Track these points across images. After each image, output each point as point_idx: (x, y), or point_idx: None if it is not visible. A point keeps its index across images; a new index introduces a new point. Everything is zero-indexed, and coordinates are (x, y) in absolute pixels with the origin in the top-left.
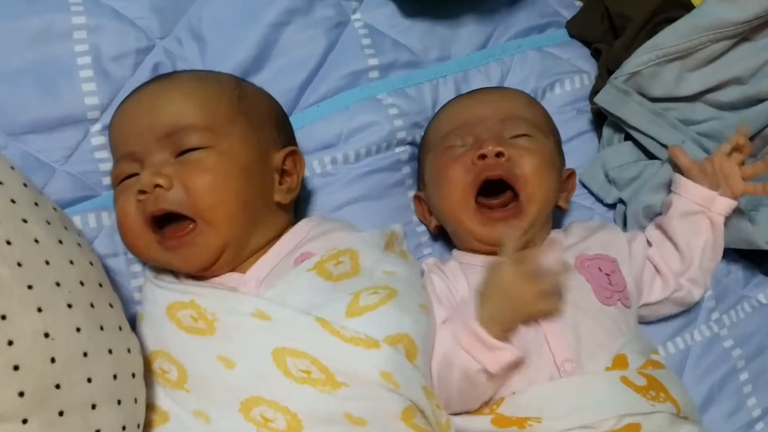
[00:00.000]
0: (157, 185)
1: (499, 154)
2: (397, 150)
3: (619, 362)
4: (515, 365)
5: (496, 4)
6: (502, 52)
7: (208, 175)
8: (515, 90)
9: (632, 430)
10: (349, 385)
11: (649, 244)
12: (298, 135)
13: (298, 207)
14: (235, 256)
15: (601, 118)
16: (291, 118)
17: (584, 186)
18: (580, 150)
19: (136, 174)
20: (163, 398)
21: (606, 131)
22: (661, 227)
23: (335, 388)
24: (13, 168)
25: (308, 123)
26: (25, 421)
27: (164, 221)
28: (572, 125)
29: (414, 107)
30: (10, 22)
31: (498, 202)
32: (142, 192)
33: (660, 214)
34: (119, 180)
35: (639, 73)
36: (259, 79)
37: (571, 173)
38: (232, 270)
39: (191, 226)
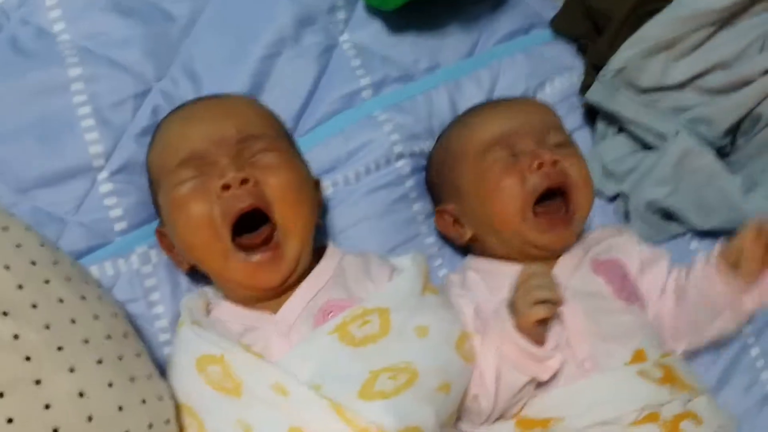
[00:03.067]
0: (244, 180)
1: (555, 162)
2: (398, 164)
3: (638, 356)
4: None
5: (479, 9)
6: (490, 58)
7: (285, 173)
8: (538, 101)
9: (652, 419)
10: None
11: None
12: None
13: None
14: (294, 275)
15: (593, 113)
16: None
17: None
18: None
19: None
20: None
21: (599, 125)
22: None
23: None
24: (28, 229)
25: (307, 150)
26: None
27: (235, 231)
28: (565, 122)
29: (409, 120)
30: (8, 80)
31: (551, 209)
32: (226, 187)
33: (662, 208)
34: (177, 185)
35: (626, 67)
36: None
37: None
38: (263, 306)
39: (270, 231)
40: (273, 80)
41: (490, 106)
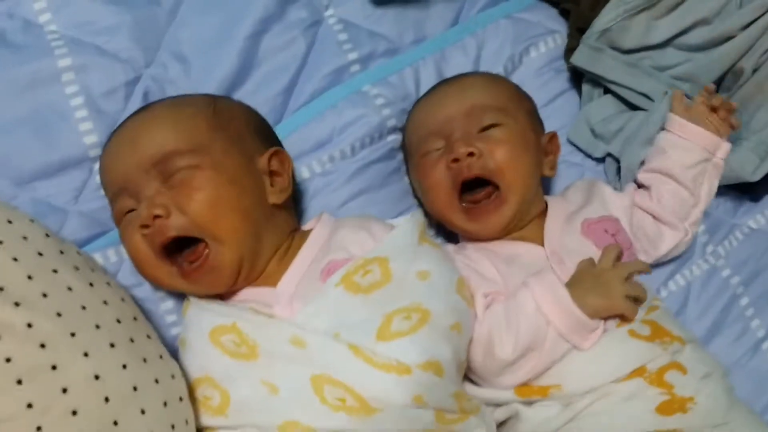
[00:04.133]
0: (156, 216)
1: (470, 154)
2: (389, 138)
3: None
4: None
5: None
6: (475, 26)
7: (200, 193)
8: (477, 74)
9: (638, 374)
10: (384, 410)
11: (650, 196)
12: (292, 138)
13: (305, 208)
14: (253, 267)
15: (578, 76)
16: (282, 123)
17: (572, 143)
18: (563, 109)
19: (133, 209)
20: (206, 422)
21: (585, 88)
22: (670, 174)
23: (369, 414)
24: (32, 221)
25: (300, 125)
26: None
27: (176, 248)
28: (552, 86)
29: (399, 94)
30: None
31: (482, 196)
32: (144, 226)
33: None
34: (120, 217)
35: (609, 29)
36: (244, 90)
37: (553, 135)
38: (258, 281)
39: (203, 248)
40: (261, 58)
41: (430, 94)
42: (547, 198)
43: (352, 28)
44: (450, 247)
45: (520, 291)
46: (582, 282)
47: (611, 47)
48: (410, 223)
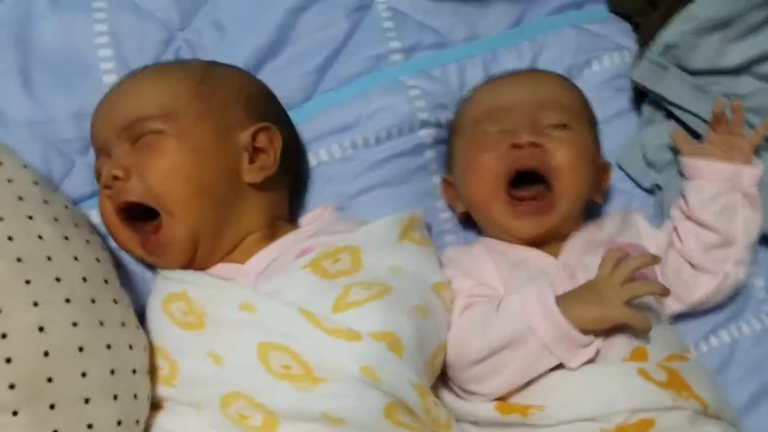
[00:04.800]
0: (116, 177)
1: (534, 145)
2: (421, 133)
3: (638, 354)
4: None
5: None
6: (535, 31)
7: (158, 159)
8: (553, 73)
9: (645, 427)
10: (328, 381)
11: (679, 238)
12: (316, 119)
13: (316, 192)
14: (214, 246)
15: (642, 97)
16: (308, 103)
17: (621, 169)
18: (618, 130)
19: None
20: (157, 391)
21: (646, 109)
22: (690, 217)
23: (314, 385)
24: (25, 167)
25: (327, 107)
26: (15, 413)
27: (146, 217)
28: (611, 104)
29: (438, 88)
30: (36, 21)
31: (529, 194)
32: (106, 187)
33: None
34: (98, 177)
35: (675, 45)
36: (275, 65)
37: (607, 165)
38: (230, 259)
39: (159, 220)
40: (296, 34)
41: (501, 77)
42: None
43: (400, 16)
44: (450, 251)
45: (511, 295)
46: (576, 292)
47: (678, 66)
48: (392, 219)
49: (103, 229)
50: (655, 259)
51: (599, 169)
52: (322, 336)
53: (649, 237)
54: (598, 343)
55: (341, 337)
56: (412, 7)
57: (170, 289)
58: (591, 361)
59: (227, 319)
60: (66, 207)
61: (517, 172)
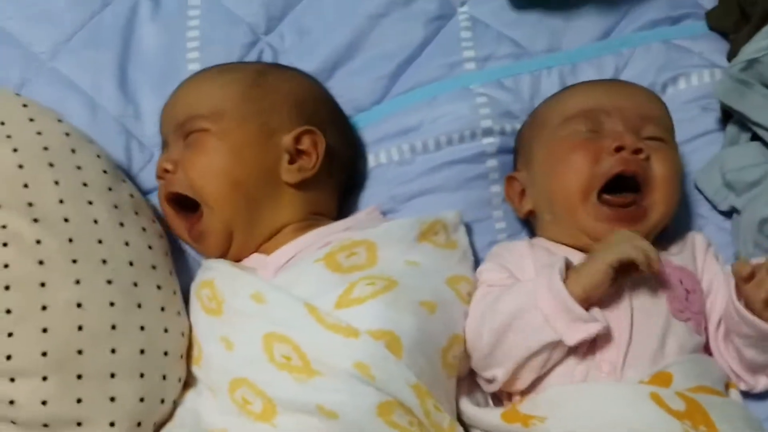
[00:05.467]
0: (166, 170)
1: (638, 151)
2: (484, 141)
3: (660, 378)
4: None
5: None
6: (621, 45)
7: (199, 156)
8: (652, 91)
9: None
10: (324, 375)
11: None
12: (383, 122)
13: (369, 193)
14: (249, 238)
15: (729, 117)
16: (379, 106)
17: (699, 191)
18: (701, 151)
19: None
20: (193, 371)
21: (730, 129)
22: (727, 335)
23: (310, 377)
24: (99, 156)
25: (394, 111)
26: (44, 378)
27: (191, 206)
28: (696, 123)
29: (508, 97)
30: (138, 24)
31: (619, 201)
32: (159, 177)
33: None
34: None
35: (758, 60)
36: (350, 67)
37: None
38: (263, 248)
39: (200, 211)
40: (372, 40)
41: (594, 82)
42: None
43: (479, 26)
44: (495, 247)
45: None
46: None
47: (763, 84)
48: (413, 220)
49: None
50: (651, 267)
51: None
52: (322, 330)
53: (703, 263)
54: (600, 323)
55: (339, 333)
56: (493, 17)
57: (203, 277)
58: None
59: (240, 308)
60: (131, 196)
61: (615, 176)
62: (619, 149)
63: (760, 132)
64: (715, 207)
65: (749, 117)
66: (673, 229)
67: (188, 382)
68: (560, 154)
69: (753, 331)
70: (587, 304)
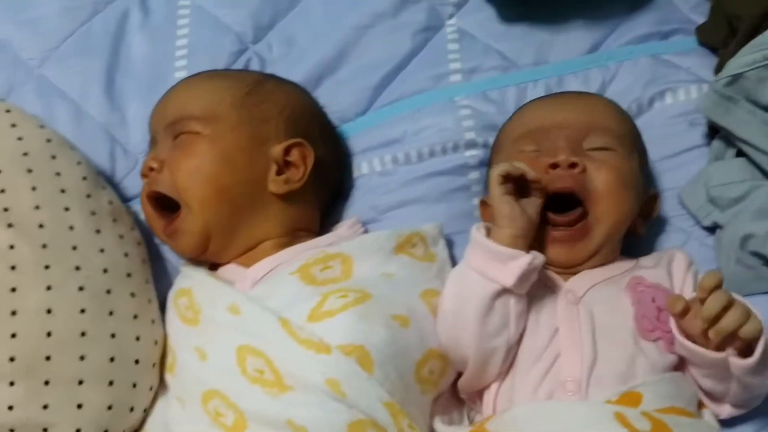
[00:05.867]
0: (151, 168)
1: (572, 165)
2: (467, 153)
3: (629, 398)
4: (533, 276)
5: (615, 8)
6: (608, 59)
7: (187, 158)
8: (605, 98)
9: None
10: (295, 390)
11: None
12: (366, 133)
13: (352, 203)
14: (226, 244)
15: (716, 132)
16: (362, 118)
17: (683, 206)
18: (686, 166)
19: None
20: (165, 378)
21: (716, 144)
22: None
23: (282, 392)
24: (79, 163)
25: (378, 123)
26: (11, 384)
27: (172, 206)
28: (682, 139)
29: (492, 110)
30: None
31: (565, 220)
32: (144, 175)
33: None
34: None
35: (743, 76)
36: (336, 78)
37: (655, 196)
38: (239, 261)
39: (180, 211)
40: (359, 51)
41: (548, 97)
42: (623, 258)
43: (467, 39)
44: None
45: None
46: None
47: (748, 99)
48: (389, 232)
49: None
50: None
51: (645, 199)
52: (294, 345)
53: (682, 282)
54: (531, 254)
55: (311, 348)
56: (481, 29)
57: (181, 284)
58: (579, 395)
59: (216, 319)
60: (110, 203)
61: (554, 194)
62: (554, 167)
63: (745, 148)
64: (698, 222)
65: (734, 133)
66: (653, 244)
67: (160, 391)
68: None
69: (699, 361)
70: (525, 248)
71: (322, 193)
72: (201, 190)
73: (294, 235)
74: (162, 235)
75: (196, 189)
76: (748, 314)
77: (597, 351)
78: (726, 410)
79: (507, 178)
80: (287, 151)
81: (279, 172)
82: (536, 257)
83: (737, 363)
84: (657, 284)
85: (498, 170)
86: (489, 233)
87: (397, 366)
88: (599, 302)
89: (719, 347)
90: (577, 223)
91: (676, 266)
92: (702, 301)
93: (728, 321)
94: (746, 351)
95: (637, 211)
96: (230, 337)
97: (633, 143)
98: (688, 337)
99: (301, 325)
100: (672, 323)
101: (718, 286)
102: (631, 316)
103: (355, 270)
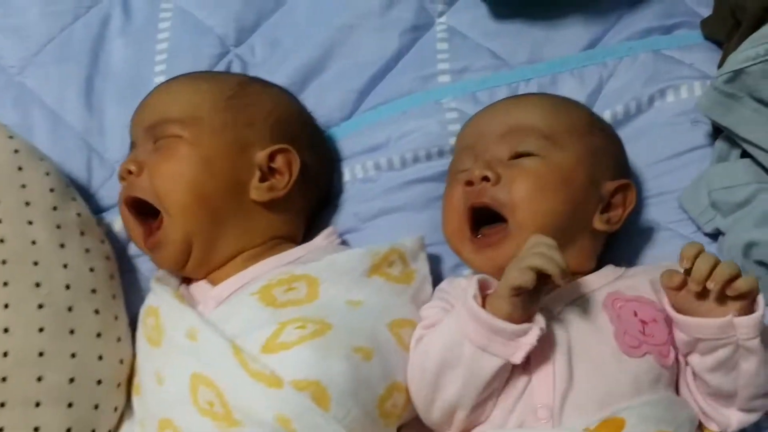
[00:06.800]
0: (129, 171)
1: (485, 179)
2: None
3: (610, 426)
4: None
5: (612, 2)
6: (606, 55)
7: (168, 162)
8: (539, 95)
9: None
10: (245, 426)
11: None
12: (350, 138)
13: (333, 211)
14: (206, 256)
15: (721, 131)
16: (348, 122)
17: (684, 210)
18: (688, 168)
19: None
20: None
21: (719, 144)
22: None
23: (230, 426)
24: (48, 174)
25: (363, 126)
26: None
27: (151, 213)
28: (683, 138)
29: None
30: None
31: (494, 232)
32: (122, 179)
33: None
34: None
35: (745, 71)
36: (321, 80)
37: (625, 185)
38: (210, 276)
39: (160, 218)
40: (345, 52)
41: (483, 109)
42: (608, 267)
43: (457, 38)
44: (444, 283)
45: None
46: (496, 289)
47: (751, 96)
48: (365, 251)
49: (124, 234)
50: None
51: (605, 195)
52: (245, 377)
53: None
54: (536, 325)
55: (262, 382)
56: (472, 27)
57: (151, 302)
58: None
59: (174, 343)
60: (78, 215)
61: (478, 209)
62: (469, 184)
63: (749, 148)
64: (699, 228)
65: (737, 133)
66: (650, 252)
67: (127, 412)
68: (443, 197)
69: (704, 333)
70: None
71: (309, 200)
72: (180, 195)
73: (273, 244)
74: (143, 246)
75: (175, 194)
76: (738, 269)
77: (573, 374)
78: (734, 420)
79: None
80: (272, 157)
81: (262, 179)
82: (540, 324)
83: (742, 322)
84: (637, 296)
85: (512, 283)
86: (484, 300)
87: (358, 401)
88: (575, 321)
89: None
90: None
91: None
92: (688, 271)
93: (722, 269)
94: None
95: (584, 211)
96: (185, 364)
97: (574, 136)
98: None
99: (255, 355)
100: (666, 303)
101: (700, 252)
102: (612, 334)
103: (321, 292)
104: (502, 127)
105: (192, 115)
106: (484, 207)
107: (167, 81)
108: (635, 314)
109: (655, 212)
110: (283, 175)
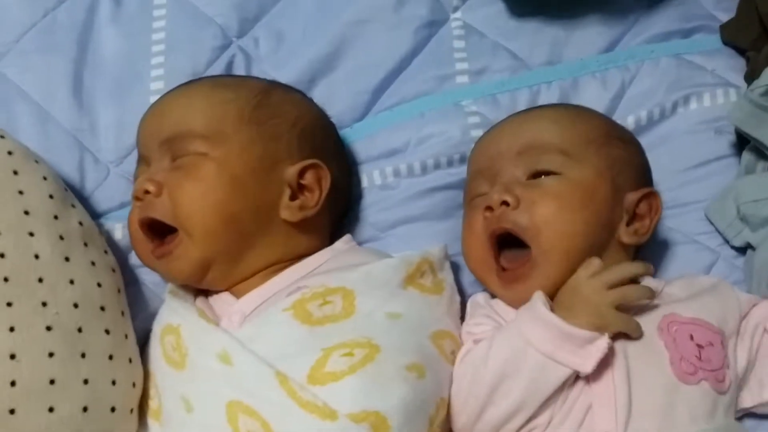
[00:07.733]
0: (147, 191)
1: (504, 203)
2: None
3: None
4: None
5: (629, 3)
6: (627, 58)
7: (193, 183)
8: (551, 107)
9: None
10: None
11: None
12: (364, 141)
13: (349, 220)
14: (228, 273)
15: (745, 142)
16: (360, 124)
17: (710, 222)
18: (712, 178)
19: None
20: (149, 422)
21: (746, 156)
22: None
23: None
24: (45, 178)
25: (378, 129)
26: None
27: (169, 231)
28: (707, 147)
29: (502, 115)
30: (98, 26)
31: (519, 264)
32: (137, 199)
33: None
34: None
35: None
36: (331, 79)
37: (649, 194)
38: (232, 288)
39: (178, 235)
40: (356, 49)
41: (493, 128)
42: (647, 281)
43: (474, 35)
44: (479, 296)
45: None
46: (560, 298)
47: None
48: (398, 260)
49: (126, 242)
50: (647, 269)
51: (629, 207)
52: (295, 408)
53: (734, 313)
54: (606, 339)
55: (314, 413)
56: (489, 25)
57: (169, 320)
58: None
59: (204, 367)
60: (80, 224)
61: (498, 237)
62: (489, 210)
63: None
64: (727, 241)
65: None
66: (677, 265)
67: None
68: (463, 225)
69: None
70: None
71: (335, 214)
72: (206, 218)
73: (297, 261)
74: (149, 257)
75: (200, 217)
76: None
77: (632, 401)
78: None
79: None
80: (301, 173)
81: (293, 198)
82: (607, 335)
83: None
84: (694, 318)
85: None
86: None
87: (416, 425)
88: (630, 345)
89: None
90: (523, 261)
91: (730, 300)
92: None
93: None
94: None
95: (609, 225)
96: (220, 390)
97: (592, 148)
98: None
99: (303, 383)
100: None
101: None
102: (667, 359)
103: (357, 305)
104: (516, 145)
105: (217, 129)
106: (505, 232)
107: (184, 87)
108: (691, 338)
109: (680, 223)
110: (313, 192)
